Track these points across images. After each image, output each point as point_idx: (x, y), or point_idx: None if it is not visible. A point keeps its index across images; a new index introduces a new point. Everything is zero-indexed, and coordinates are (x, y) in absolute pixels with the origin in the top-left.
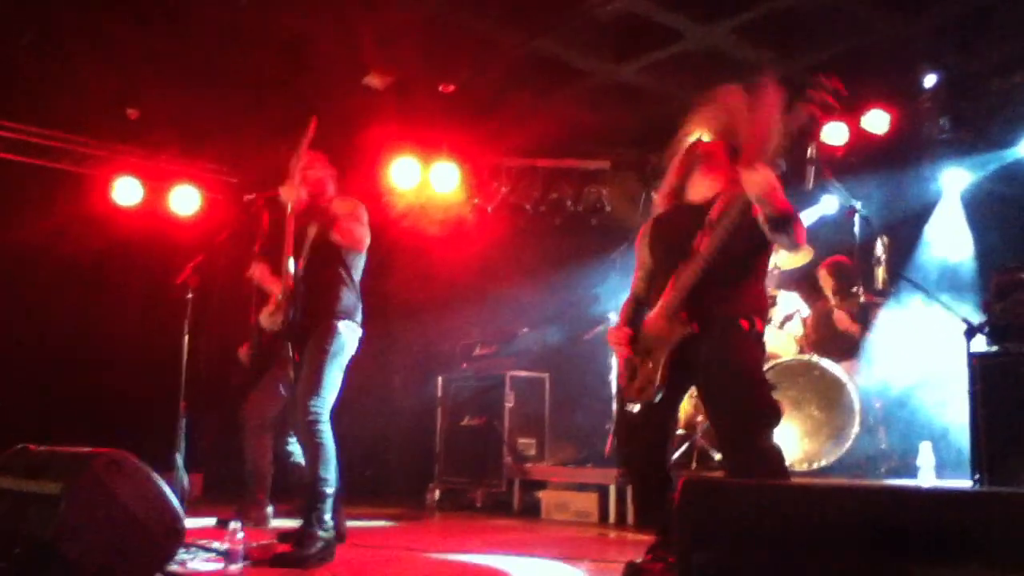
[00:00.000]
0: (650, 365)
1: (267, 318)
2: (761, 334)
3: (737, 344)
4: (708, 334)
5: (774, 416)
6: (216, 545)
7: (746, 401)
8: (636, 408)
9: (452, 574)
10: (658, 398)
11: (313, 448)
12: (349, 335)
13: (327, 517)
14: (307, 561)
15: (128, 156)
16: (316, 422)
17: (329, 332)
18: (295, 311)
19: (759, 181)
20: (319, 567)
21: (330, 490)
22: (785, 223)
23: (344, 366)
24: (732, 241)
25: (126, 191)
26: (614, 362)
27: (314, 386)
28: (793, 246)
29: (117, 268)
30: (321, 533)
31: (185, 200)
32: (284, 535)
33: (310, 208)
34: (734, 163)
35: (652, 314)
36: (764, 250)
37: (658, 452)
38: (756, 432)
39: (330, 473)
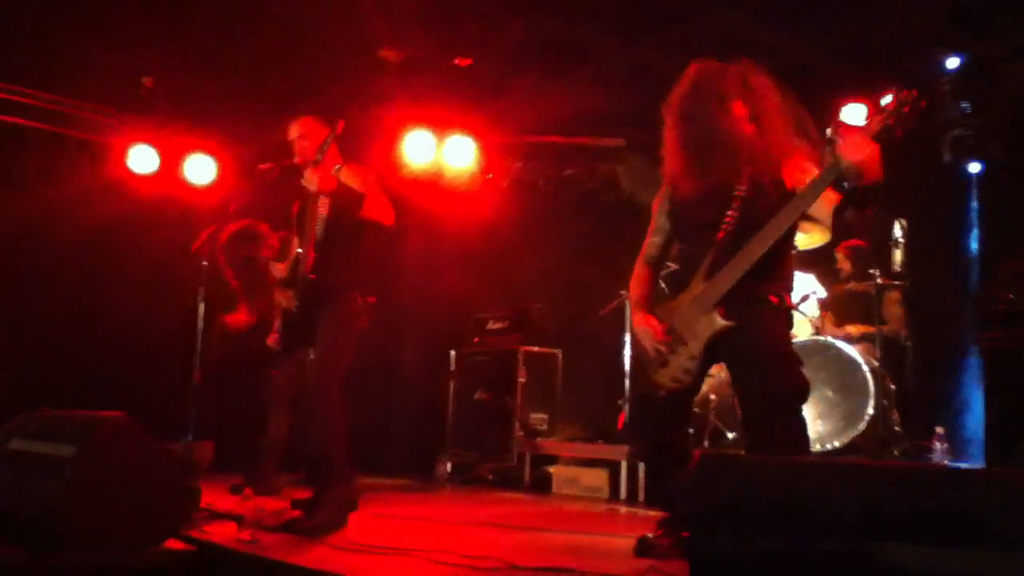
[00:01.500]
0: (683, 355)
1: (282, 296)
2: (790, 310)
3: (767, 320)
4: (738, 312)
5: (803, 393)
6: (229, 511)
7: (776, 378)
8: (663, 394)
9: (462, 543)
10: (690, 387)
11: (324, 417)
12: (361, 307)
13: (338, 485)
14: (319, 528)
15: (144, 124)
16: (327, 391)
17: (341, 303)
18: (309, 285)
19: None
20: (331, 534)
21: (340, 458)
22: (876, 193)
23: (355, 337)
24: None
25: (142, 159)
26: (627, 339)
27: (325, 357)
28: (860, 220)
29: (133, 236)
30: (332, 501)
31: (201, 169)
32: (297, 502)
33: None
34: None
35: (683, 300)
36: (795, 228)
37: (678, 430)
38: (784, 409)
39: (340, 442)
